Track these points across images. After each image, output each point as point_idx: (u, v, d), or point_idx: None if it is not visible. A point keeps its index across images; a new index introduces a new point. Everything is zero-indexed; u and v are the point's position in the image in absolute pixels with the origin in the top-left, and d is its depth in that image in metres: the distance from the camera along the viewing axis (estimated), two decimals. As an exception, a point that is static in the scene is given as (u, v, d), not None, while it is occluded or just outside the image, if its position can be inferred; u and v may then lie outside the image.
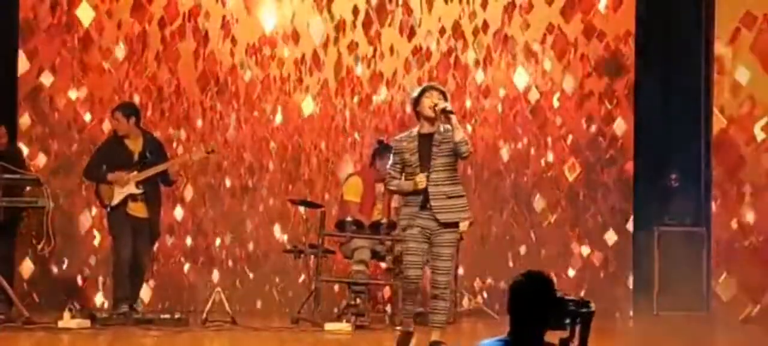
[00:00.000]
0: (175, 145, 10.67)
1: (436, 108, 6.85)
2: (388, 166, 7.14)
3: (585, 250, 10.97)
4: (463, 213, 7.05)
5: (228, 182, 10.88)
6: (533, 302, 3.81)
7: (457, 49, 10.96)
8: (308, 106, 10.95)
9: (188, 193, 10.80)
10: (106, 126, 10.45)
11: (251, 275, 10.85)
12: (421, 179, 6.88)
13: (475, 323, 9.91)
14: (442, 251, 6.97)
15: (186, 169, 10.14)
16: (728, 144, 10.49)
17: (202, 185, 10.84)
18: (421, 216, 6.94)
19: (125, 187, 9.22)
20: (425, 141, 6.93)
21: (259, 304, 10.78)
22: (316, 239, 9.55)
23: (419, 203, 6.94)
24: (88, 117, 10.66)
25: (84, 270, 10.63)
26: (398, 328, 7.39)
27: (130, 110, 9.52)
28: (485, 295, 10.75)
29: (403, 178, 7.01)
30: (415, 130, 7.01)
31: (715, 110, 10.48)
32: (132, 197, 9.26)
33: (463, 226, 9.94)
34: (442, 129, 6.90)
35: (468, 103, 10.98)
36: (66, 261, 10.58)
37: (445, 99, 6.95)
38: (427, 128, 6.94)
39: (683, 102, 10.65)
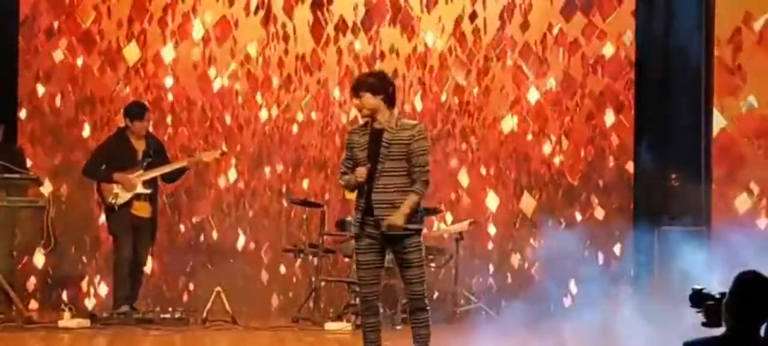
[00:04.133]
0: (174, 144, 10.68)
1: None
2: (341, 160, 6.48)
3: (585, 249, 10.96)
4: (411, 224, 6.20)
5: (228, 181, 10.88)
6: (763, 301, 3.86)
7: (456, 49, 10.96)
8: (308, 105, 10.95)
9: (189, 192, 10.80)
10: (106, 126, 10.47)
11: (251, 275, 10.85)
12: (361, 172, 6.13)
13: (474, 323, 9.90)
14: (408, 258, 6.24)
15: (194, 169, 10.23)
16: (728, 144, 10.48)
17: (203, 184, 10.83)
18: (368, 223, 6.24)
19: (133, 188, 9.24)
20: (377, 137, 6.20)
21: (259, 304, 10.78)
22: (317, 238, 9.57)
23: (362, 207, 6.24)
24: (88, 117, 10.66)
25: (84, 270, 10.62)
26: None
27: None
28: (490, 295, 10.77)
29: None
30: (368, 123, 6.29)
31: (715, 110, 10.47)
32: (136, 197, 9.29)
33: (464, 226, 10.03)
34: (392, 125, 6.17)
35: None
36: (66, 261, 10.57)
37: (362, 86, 6.18)
38: (379, 122, 6.21)
39: (683, 102, 10.64)
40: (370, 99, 6.18)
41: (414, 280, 6.29)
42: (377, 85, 6.22)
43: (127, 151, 9.39)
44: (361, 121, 6.47)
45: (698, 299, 4.04)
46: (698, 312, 4.08)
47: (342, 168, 6.42)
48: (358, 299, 9.34)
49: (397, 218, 6.13)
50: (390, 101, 6.25)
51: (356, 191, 6.35)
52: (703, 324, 4.05)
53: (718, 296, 3.99)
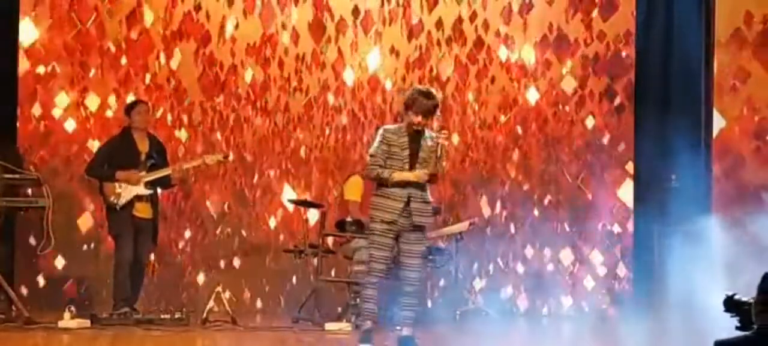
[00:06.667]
0: (176, 145, 10.69)
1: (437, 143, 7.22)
2: (371, 150, 7.36)
3: (585, 250, 10.97)
4: (431, 219, 7.50)
5: (228, 181, 10.88)
6: None
7: (457, 49, 10.98)
8: (309, 105, 10.96)
9: (190, 193, 10.81)
10: (104, 125, 10.48)
11: (251, 275, 10.85)
12: (423, 173, 7.20)
13: (474, 323, 9.90)
14: (414, 249, 7.29)
15: (195, 171, 10.26)
16: (728, 144, 10.48)
17: (203, 184, 10.84)
18: (403, 215, 7.24)
19: (135, 187, 9.24)
20: (415, 140, 7.26)
21: (259, 304, 10.79)
22: (317, 238, 9.57)
23: (404, 200, 7.22)
24: (87, 117, 10.66)
25: (84, 270, 10.62)
26: (362, 325, 7.59)
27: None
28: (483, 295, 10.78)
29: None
30: (404, 126, 7.32)
31: (715, 110, 10.47)
32: (138, 198, 9.28)
33: (463, 226, 10.03)
34: (428, 136, 7.26)
35: (469, 99, 11.01)
36: (66, 261, 10.57)
37: (435, 111, 7.25)
38: (413, 127, 7.27)
39: (683, 102, 10.63)
40: (425, 120, 7.23)
41: (413, 268, 7.29)
42: (427, 110, 7.22)
43: (131, 151, 9.39)
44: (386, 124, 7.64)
45: (731, 304, 4.10)
46: (733, 317, 4.14)
47: (378, 160, 7.26)
48: (358, 299, 9.35)
49: (424, 172, 7.20)
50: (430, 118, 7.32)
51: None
52: (737, 328, 4.09)
53: (751, 300, 4.04)
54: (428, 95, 7.27)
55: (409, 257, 7.29)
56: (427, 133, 7.30)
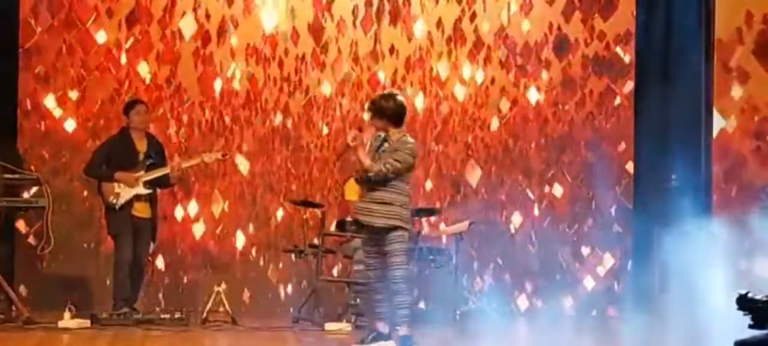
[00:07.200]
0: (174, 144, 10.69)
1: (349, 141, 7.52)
2: None
3: (585, 250, 10.97)
4: (390, 220, 7.34)
5: (228, 182, 10.88)
6: None
7: (457, 49, 10.97)
8: (309, 105, 10.95)
9: (189, 192, 10.80)
10: (104, 125, 10.47)
11: (251, 275, 10.85)
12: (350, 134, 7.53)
13: (474, 323, 9.90)
14: (389, 248, 7.37)
15: (195, 171, 10.27)
16: (728, 144, 10.48)
17: (203, 184, 10.83)
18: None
19: (134, 187, 9.24)
20: (380, 143, 7.49)
21: (259, 304, 10.79)
22: (317, 238, 9.57)
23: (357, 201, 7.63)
24: (87, 118, 10.66)
25: (84, 271, 10.61)
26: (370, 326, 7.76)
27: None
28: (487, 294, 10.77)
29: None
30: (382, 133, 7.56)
31: (715, 110, 10.47)
32: (137, 197, 9.28)
33: (463, 226, 10.03)
34: (391, 138, 7.39)
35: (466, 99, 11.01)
36: (66, 261, 10.57)
37: (388, 112, 7.39)
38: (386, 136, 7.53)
39: (683, 102, 10.63)
40: (377, 121, 7.49)
41: (394, 266, 7.35)
42: (377, 109, 7.45)
43: (129, 150, 9.38)
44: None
45: (745, 302, 4.15)
46: (745, 315, 4.18)
47: None
48: (358, 299, 9.36)
49: (355, 149, 7.43)
50: (394, 122, 7.43)
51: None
52: (751, 326, 4.13)
53: (764, 298, 4.08)
54: (384, 98, 7.52)
55: (389, 255, 7.38)
56: (402, 139, 7.43)
